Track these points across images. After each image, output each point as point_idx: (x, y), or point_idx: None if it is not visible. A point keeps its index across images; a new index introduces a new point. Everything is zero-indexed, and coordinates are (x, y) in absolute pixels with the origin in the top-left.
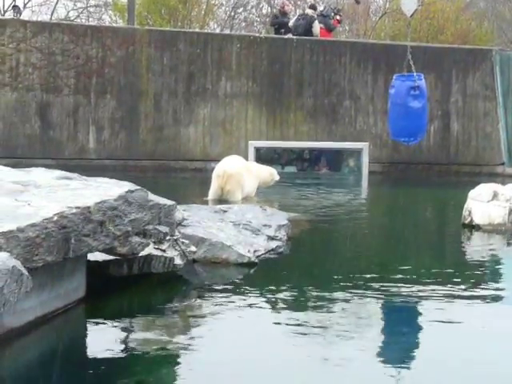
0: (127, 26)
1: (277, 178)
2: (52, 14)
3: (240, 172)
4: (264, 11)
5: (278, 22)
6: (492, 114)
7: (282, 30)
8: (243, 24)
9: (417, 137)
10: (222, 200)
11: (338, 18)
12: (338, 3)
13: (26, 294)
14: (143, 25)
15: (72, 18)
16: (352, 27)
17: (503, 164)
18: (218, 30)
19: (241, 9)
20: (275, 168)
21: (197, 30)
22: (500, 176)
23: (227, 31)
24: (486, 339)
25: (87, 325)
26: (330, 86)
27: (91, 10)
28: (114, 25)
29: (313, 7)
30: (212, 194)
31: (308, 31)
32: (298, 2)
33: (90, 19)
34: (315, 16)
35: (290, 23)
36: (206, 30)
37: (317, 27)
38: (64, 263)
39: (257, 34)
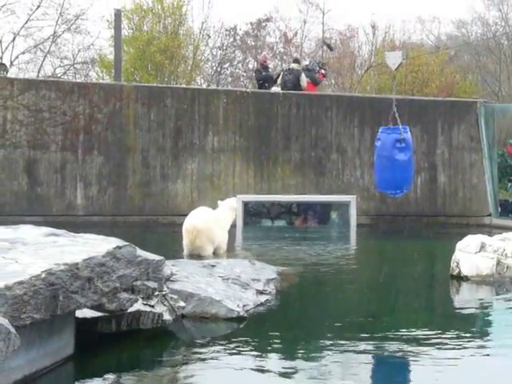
0: (114, 82)
1: (234, 204)
2: (39, 72)
3: (209, 226)
4: (250, 66)
5: (263, 78)
6: (478, 165)
7: (266, 84)
8: (229, 79)
9: (403, 189)
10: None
11: (323, 71)
12: (323, 58)
13: (13, 353)
14: (130, 81)
15: (59, 75)
16: (338, 81)
17: (490, 215)
18: (204, 86)
19: (227, 64)
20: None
21: (183, 85)
22: (487, 227)
23: (214, 86)
24: None
25: (75, 383)
26: (317, 139)
27: (78, 66)
28: (101, 81)
29: (297, 61)
30: (185, 249)
31: (297, 85)
32: (284, 57)
33: (77, 76)
34: (300, 69)
35: (278, 80)
36: (192, 86)
37: (304, 80)
38: (52, 320)
39: (243, 89)
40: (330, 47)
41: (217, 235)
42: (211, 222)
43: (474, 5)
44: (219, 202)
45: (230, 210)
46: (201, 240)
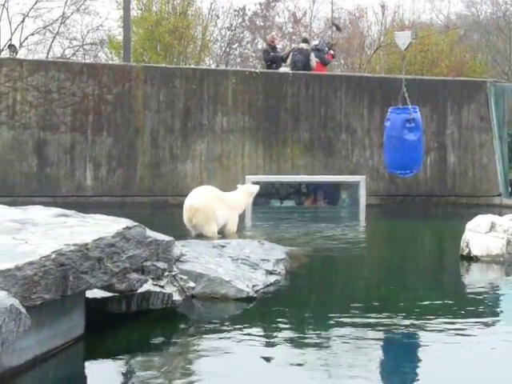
0: (123, 63)
1: (255, 189)
2: (48, 53)
3: (207, 204)
4: (259, 46)
5: (271, 58)
6: (488, 145)
7: (274, 65)
8: (238, 59)
9: (413, 169)
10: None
11: (332, 52)
12: (332, 38)
13: (24, 333)
14: (139, 62)
15: (68, 56)
16: (347, 61)
17: (500, 195)
18: (213, 66)
19: (236, 44)
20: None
21: (192, 66)
22: (497, 207)
23: (223, 67)
24: (486, 371)
25: (86, 363)
26: (326, 119)
27: (87, 47)
28: (110, 62)
29: (306, 41)
30: (188, 228)
31: (306, 65)
32: (293, 37)
33: (86, 57)
34: (309, 49)
35: (288, 61)
36: (201, 66)
37: (313, 60)
38: (62, 301)
39: (252, 69)
40: (338, 28)
41: (220, 215)
42: (212, 200)
43: None
44: (238, 185)
45: (245, 193)
46: (197, 218)
